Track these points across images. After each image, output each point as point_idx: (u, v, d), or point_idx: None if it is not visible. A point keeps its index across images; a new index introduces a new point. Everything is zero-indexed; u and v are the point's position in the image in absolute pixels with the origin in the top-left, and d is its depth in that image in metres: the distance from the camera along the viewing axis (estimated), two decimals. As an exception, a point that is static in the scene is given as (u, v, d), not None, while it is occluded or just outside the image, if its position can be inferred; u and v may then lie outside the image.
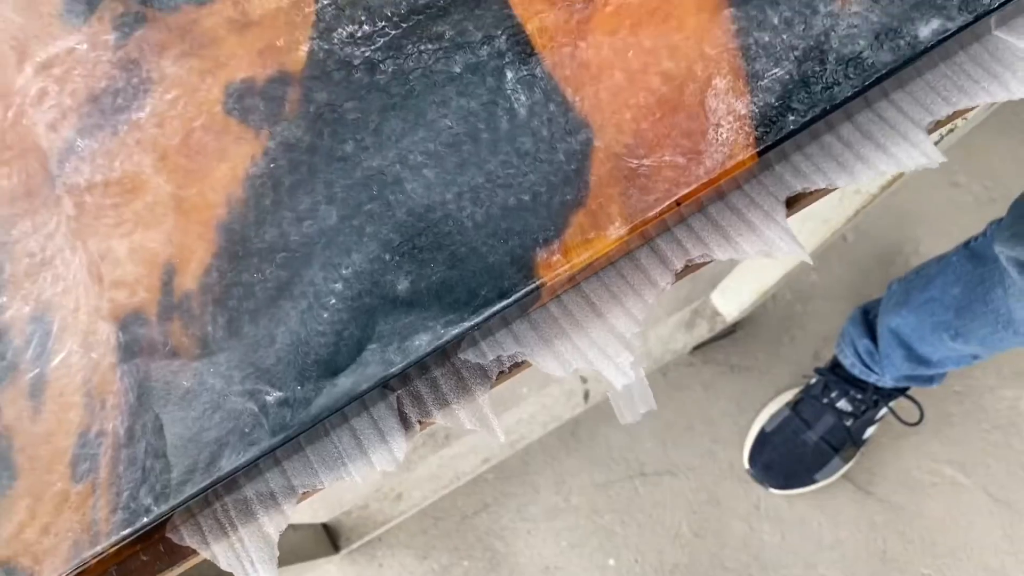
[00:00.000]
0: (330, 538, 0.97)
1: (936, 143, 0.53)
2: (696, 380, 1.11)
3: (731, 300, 1.00)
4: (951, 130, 0.54)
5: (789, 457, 1.02)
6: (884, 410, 1.02)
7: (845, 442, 1.01)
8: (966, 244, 0.83)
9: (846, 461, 1.03)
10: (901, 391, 1.01)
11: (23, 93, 0.34)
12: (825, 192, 0.39)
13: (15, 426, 0.31)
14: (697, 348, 1.10)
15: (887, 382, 0.98)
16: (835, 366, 1.02)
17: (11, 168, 0.34)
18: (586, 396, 1.02)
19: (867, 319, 0.97)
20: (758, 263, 0.89)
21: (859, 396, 1.00)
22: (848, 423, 1.01)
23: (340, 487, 0.99)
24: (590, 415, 1.07)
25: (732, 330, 1.10)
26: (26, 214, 0.33)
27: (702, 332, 1.04)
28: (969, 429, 1.08)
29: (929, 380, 0.95)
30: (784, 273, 0.83)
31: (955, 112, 0.39)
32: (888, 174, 0.38)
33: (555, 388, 1.03)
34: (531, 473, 1.09)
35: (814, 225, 0.73)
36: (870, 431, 1.03)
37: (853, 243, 1.15)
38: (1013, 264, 0.68)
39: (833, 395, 1.01)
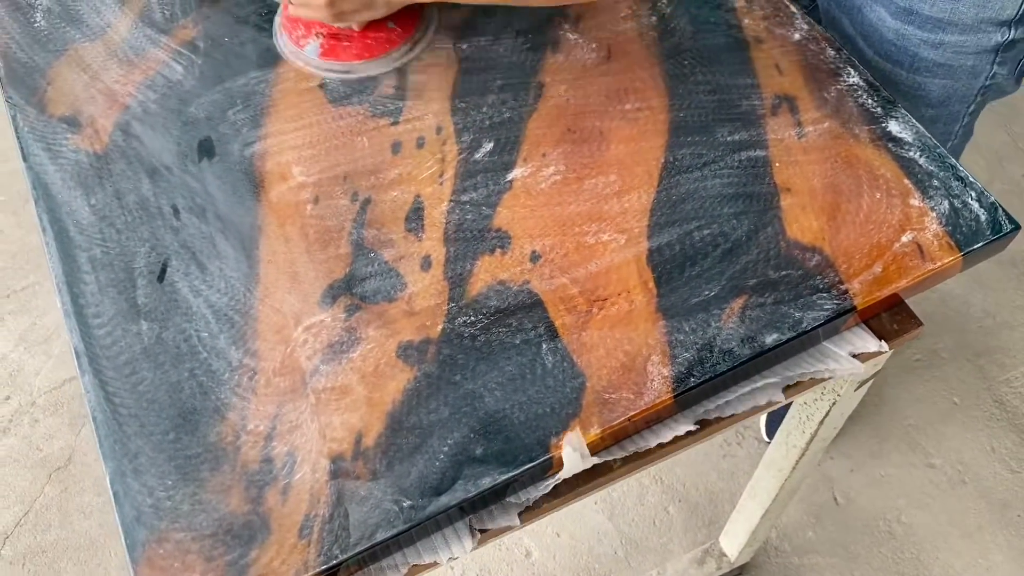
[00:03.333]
0: None
1: (814, 433, 0.81)
2: (708, 615, 1.31)
3: (732, 541, 1.23)
4: (822, 421, 0.82)
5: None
6: None
7: None
8: None
9: None
10: None
11: (295, 341, 0.67)
12: (731, 421, 0.67)
13: (273, 508, 0.60)
14: (709, 587, 1.31)
15: None
16: None
17: (284, 378, 0.65)
18: (612, 616, 1.23)
19: None
20: (750, 503, 1.13)
21: None
22: None
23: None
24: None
25: (740, 573, 1.31)
26: (290, 401, 0.64)
27: (711, 569, 1.26)
28: None
29: None
30: (764, 512, 1.07)
31: (798, 382, 0.68)
32: (754, 417, 0.67)
33: (587, 607, 1.24)
34: None
35: (774, 473, 0.99)
36: None
37: (843, 506, 1.38)
38: None
39: None
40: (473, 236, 0.71)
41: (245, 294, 0.69)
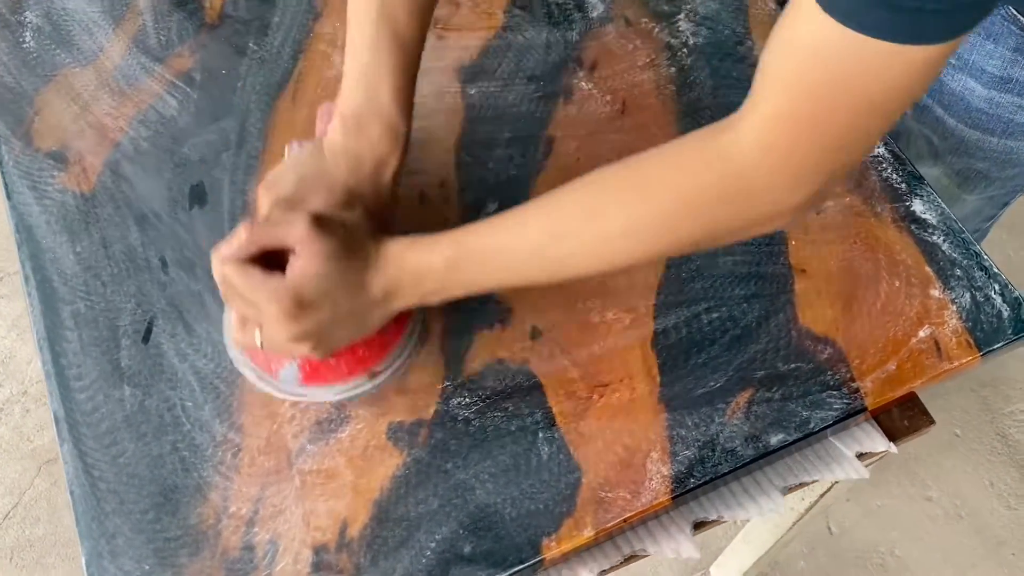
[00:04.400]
0: None
1: (814, 503, 0.79)
2: (695, 641, 1.31)
3: (725, 574, 1.22)
4: (823, 494, 0.80)
5: None
6: None
7: None
8: None
9: None
10: None
11: (282, 416, 0.64)
12: (720, 521, 0.65)
13: (253, 600, 0.59)
14: (698, 613, 1.30)
15: None
16: None
17: (269, 457, 0.63)
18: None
19: None
20: (744, 547, 1.12)
21: None
22: None
23: None
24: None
25: (729, 601, 1.31)
26: (274, 483, 0.62)
27: (700, 599, 1.26)
28: None
29: None
30: (756, 559, 1.06)
31: (800, 483, 0.66)
32: (755, 517, 0.65)
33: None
34: None
35: (770, 527, 0.98)
36: None
37: (837, 536, 1.37)
38: None
39: None
40: (472, 307, 0.68)
41: (232, 361, 0.66)
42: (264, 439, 0.63)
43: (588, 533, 0.60)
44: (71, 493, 0.63)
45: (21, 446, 1.43)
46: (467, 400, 0.65)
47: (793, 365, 0.65)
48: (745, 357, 0.66)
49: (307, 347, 0.56)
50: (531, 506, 0.61)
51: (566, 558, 0.62)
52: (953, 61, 0.80)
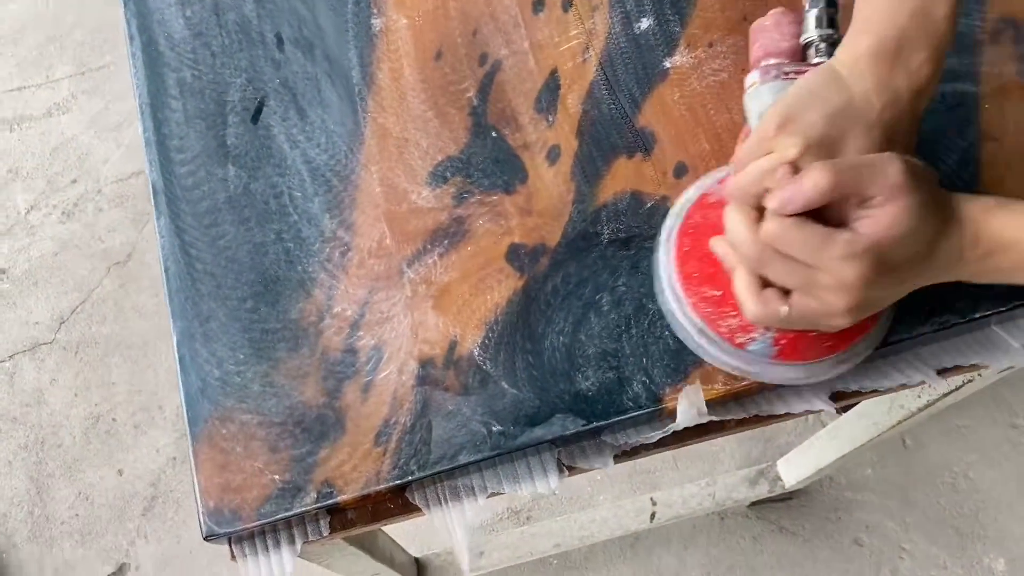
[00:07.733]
0: (418, 571, 1.17)
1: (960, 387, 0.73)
2: (748, 531, 1.28)
3: (792, 470, 1.18)
4: (971, 380, 0.73)
5: None
6: None
7: None
8: None
9: None
10: None
11: (397, 220, 0.59)
12: (871, 395, 0.59)
13: (350, 405, 0.55)
14: (755, 504, 1.27)
15: None
16: None
17: (380, 261, 0.58)
18: (652, 516, 1.20)
19: None
20: (829, 442, 1.07)
21: None
22: None
23: (441, 529, 1.19)
24: (652, 534, 1.25)
25: (789, 496, 1.27)
26: (383, 288, 0.57)
27: (762, 491, 1.22)
28: None
29: None
30: (839, 456, 1.01)
31: (956, 366, 0.59)
32: (899, 387, 0.59)
33: (628, 503, 1.22)
34: (587, 570, 1.27)
35: (866, 424, 0.92)
36: None
37: (911, 449, 1.32)
38: None
39: None
40: (612, 131, 0.61)
41: (347, 154, 0.61)
42: (376, 241, 0.58)
43: (718, 388, 0.55)
44: (165, 270, 0.58)
45: (92, 244, 1.41)
46: (595, 230, 0.58)
47: (969, 240, 0.58)
48: (915, 224, 0.58)
49: (850, 319, 0.46)
50: (655, 352, 0.55)
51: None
52: None
